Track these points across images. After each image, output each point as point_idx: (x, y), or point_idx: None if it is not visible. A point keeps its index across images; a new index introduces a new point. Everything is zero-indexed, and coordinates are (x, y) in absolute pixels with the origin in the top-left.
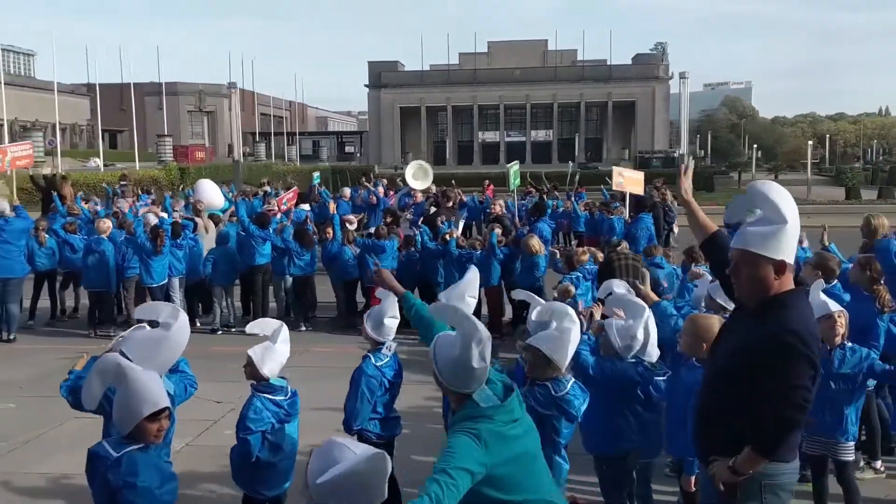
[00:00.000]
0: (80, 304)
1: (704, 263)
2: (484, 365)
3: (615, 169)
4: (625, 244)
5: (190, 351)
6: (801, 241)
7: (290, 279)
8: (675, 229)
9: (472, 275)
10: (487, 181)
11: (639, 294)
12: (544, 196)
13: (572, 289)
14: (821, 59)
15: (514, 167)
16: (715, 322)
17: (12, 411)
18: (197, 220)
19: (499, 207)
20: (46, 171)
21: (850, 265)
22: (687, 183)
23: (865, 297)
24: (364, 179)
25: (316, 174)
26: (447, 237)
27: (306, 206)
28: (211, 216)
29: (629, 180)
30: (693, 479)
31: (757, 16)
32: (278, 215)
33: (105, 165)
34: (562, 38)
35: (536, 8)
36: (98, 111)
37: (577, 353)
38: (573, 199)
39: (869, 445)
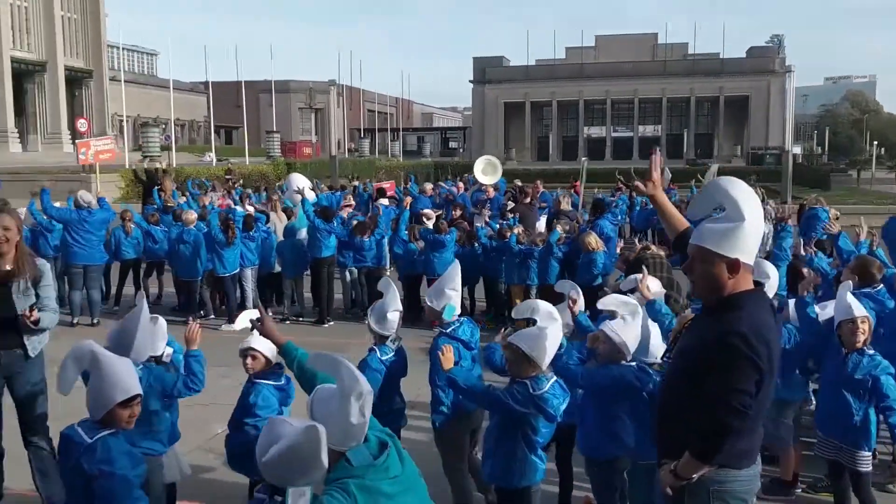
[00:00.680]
0: (163, 291)
1: None
2: (363, 420)
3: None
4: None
5: None
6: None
7: (355, 271)
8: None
9: (453, 268)
10: (573, 178)
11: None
12: (633, 194)
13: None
14: None
15: (584, 164)
16: None
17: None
18: (270, 213)
19: (564, 203)
20: (159, 165)
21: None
22: (656, 175)
23: None
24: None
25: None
26: (506, 233)
27: (385, 201)
28: (285, 209)
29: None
30: None
31: (883, 5)
32: (345, 213)
33: (218, 160)
34: (672, 31)
35: (648, 2)
36: (210, 107)
37: (565, 367)
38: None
39: None
